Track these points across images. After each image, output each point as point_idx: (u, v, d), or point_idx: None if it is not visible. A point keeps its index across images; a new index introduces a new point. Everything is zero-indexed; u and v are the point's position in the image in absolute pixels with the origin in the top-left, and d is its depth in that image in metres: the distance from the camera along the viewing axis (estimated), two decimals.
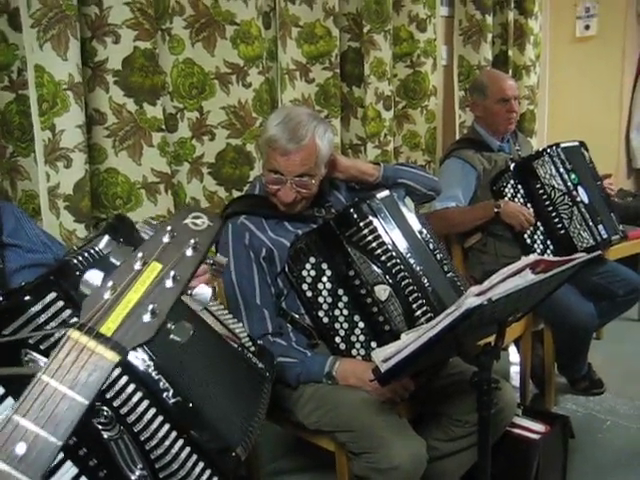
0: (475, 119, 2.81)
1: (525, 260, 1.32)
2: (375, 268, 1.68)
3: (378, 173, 1.93)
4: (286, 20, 2.48)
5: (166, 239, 0.75)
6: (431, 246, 1.82)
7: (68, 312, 1.02)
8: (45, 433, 0.63)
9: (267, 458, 2.31)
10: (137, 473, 1.05)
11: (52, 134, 1.82)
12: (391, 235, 1.71)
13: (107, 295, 0.70)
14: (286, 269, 1.76)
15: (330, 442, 1.72)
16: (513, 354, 2.98)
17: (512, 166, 2.56)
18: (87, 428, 1.02)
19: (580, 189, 2.56)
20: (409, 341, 1.32)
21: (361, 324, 1.70)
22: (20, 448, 0.62)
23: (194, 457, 1.10)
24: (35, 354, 0.99)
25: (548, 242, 2.54)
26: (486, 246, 2.62)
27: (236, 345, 1.40)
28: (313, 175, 1.76)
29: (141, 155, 2.05)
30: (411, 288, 1.68)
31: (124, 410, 1.05)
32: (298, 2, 2.51)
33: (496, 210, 2.47)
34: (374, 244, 1.68)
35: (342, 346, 1.72)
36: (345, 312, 1.72)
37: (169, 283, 0.71)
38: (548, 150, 2.56)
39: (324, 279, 1.72)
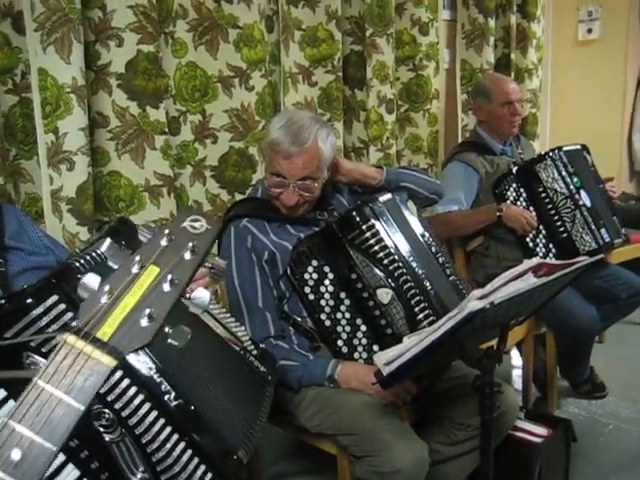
0: (477, 122, 2.81)
1: (527, 263, 1.32)
2: (377, 271, 1.68)
3: (381, 176, 1.92)
4: (289, 23, 2.48)
5: (164, 242, 0.74)
6: (433, 249, 1.82)
7: (70, 315, 1.01)
8: (40, 439, 0.63)
9: (269, 461, 2.30)
10: (139, 476, 1.05)
11: (55, 137, 1.83)
12: (393, 238, 1.71)
13: (104, 299, 0.69)
14: (288, 272, 1.76)
15: (332, 445, 1.71)
16: (515, 357, 2.98)
17: (514, 169, 2.56)
18: (89, 431, 1.02)
19: (582, 192, 2.56)
20: (411, 344, 1.32)
21: (363, 327, 1.70)
22: (15, 454, 0.62)
23: (196, 460, 1.10)
24: (37, 357, 0.99)
25: (550, 245, 2.54)
26: (488, 249, 2.62)
27: (238, 348, 1.40)
28: (316, 178, 1.76)
29: (144, 158, 2.06)
30: (413, 291, 1.68)
31: (126, 413, 1.05)
32: (301, 6, 2.51)
33: (498, 213, 2.47)
34: (376, 247, 1.68)
35: (344, 349, 1.72)
36: (347, 315, 1.71)
37: (167, 287, 0.71)
38: (550, 153, 2.56)
39: (326, 282, 1.72)
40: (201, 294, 0.76)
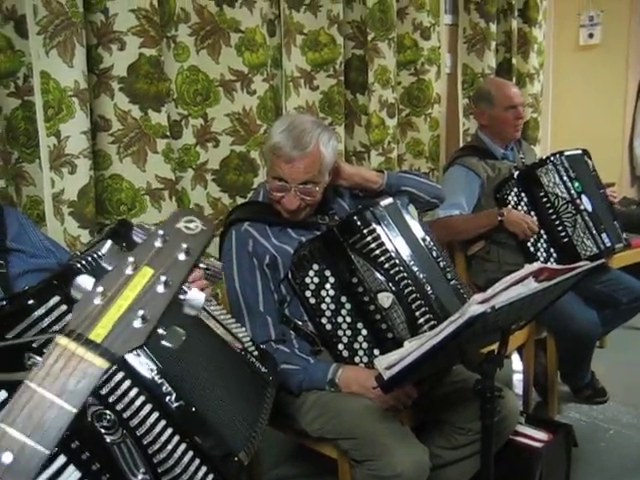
0: (479, 127, 2.81)
1: (528, 268, 1.32)
2: (378, 275, 1.68)
3: (382, 181, 1.93)
4: (291, 28, 2.49)
5: (158, 243, 0.73)
6: (434, 254, 1.82)
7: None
8: (32, 442, 0.62)
9: (269, 465, 2.30)
10: (139, 477, 1.05)
11: (57, 140, 1.83)
12: (394, 243, 1.71)
13: (97, 300, 0.68)
14: (289, 276, 1.76)
15: (333, 449, 1.71)
16: (516, 362, 2.97)
17: (516, 174, 2.56)
18: (90, 432, 1.02)
19: (584, 197, 2.56)
20: (412, 349, 1.32)
21: (364, 331, 1.70)
22: (6, 457, 0.61)
23: (197, 461, 1.10)
24: (38, 358, 0.99)
25: (551, 250, 2.54)
26: (489, 254, 2.61)
27: (239, 349, 1.40)
28: (317, 182, 1.77)
29: (145, 161, 2.06)
30: (414, 296, 1.68)
31: (127, 414, 1.05)
32: (303, 10, 2.52)
33: (500, 218, 2.47)
34: (377, 251, 1.68)
35: (345, 353, 1.72)
36: (348, 319, 1.71)
37: (160, 288, 0.70)
38: (552, 158, 2.57)
39: (327, 286, 1.72)
40: (196, 296, 0.75)
